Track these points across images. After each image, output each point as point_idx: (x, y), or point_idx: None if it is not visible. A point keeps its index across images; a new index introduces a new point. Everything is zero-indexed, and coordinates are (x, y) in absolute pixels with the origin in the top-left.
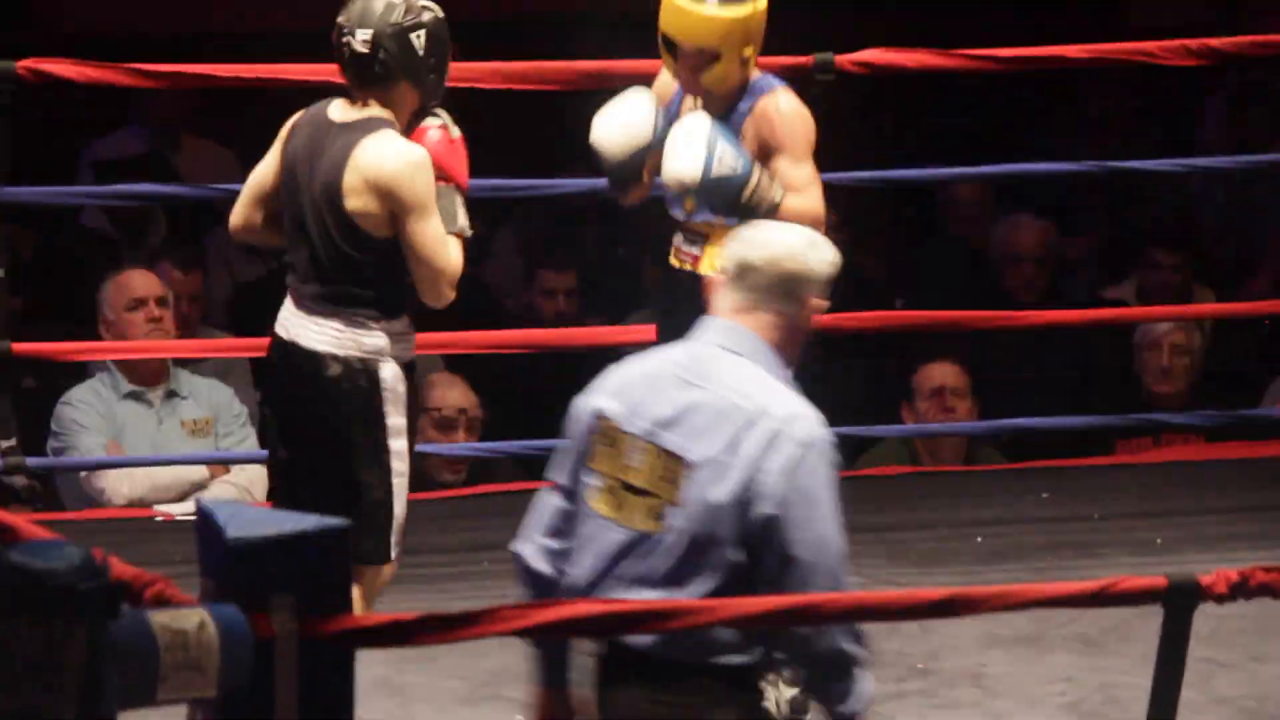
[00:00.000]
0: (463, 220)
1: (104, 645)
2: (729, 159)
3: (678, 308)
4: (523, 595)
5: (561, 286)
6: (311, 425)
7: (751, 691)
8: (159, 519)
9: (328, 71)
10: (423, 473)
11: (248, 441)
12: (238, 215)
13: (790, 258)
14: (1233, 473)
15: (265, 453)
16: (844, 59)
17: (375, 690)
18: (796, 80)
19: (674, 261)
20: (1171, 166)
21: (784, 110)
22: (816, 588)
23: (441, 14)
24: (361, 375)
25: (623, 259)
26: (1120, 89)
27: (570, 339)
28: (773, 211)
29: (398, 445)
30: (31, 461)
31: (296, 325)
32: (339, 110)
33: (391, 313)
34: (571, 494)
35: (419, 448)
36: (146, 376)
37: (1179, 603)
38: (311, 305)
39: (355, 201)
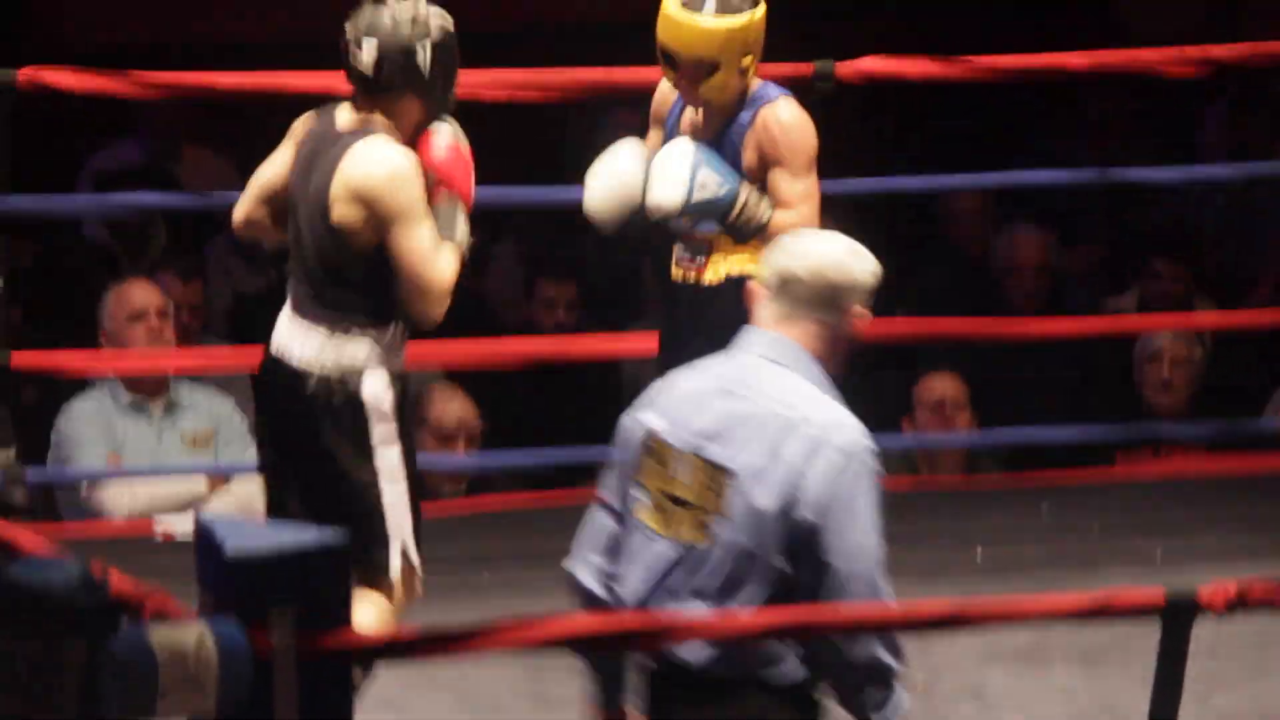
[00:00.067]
0: (462, 233)
1: (103, 661)
2: (712, 184)
3: (680, 319)
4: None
5: (561, 298)
6: (298, 441)
7: (806, 707)
8: (159, 538)
9: (330, 80)
10: (422, 485)
11: (249, 454)
12: (241, 210)
13: (833, 267)
14: (1233, 486)
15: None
16: (844, 67)
17: (374, 705)
18: (796, 89)
19: (676, 271)
20: (1172, 176)
21: (784, 121)
22: (852, 596)
23: (450, 27)
24: (342, 390)
25: (623, 270)
26: (1120, 92)
27: (570, 351)
28: (762, 230)
29: (387, 457)
30: (31, 475)
31: (287, 333)
32: (344, 117)
33: (380, 321)
34: (621, 511)
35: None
36: (147, 388)
37: (1177, 617)
38: (303, 310)
39: (340, 209)
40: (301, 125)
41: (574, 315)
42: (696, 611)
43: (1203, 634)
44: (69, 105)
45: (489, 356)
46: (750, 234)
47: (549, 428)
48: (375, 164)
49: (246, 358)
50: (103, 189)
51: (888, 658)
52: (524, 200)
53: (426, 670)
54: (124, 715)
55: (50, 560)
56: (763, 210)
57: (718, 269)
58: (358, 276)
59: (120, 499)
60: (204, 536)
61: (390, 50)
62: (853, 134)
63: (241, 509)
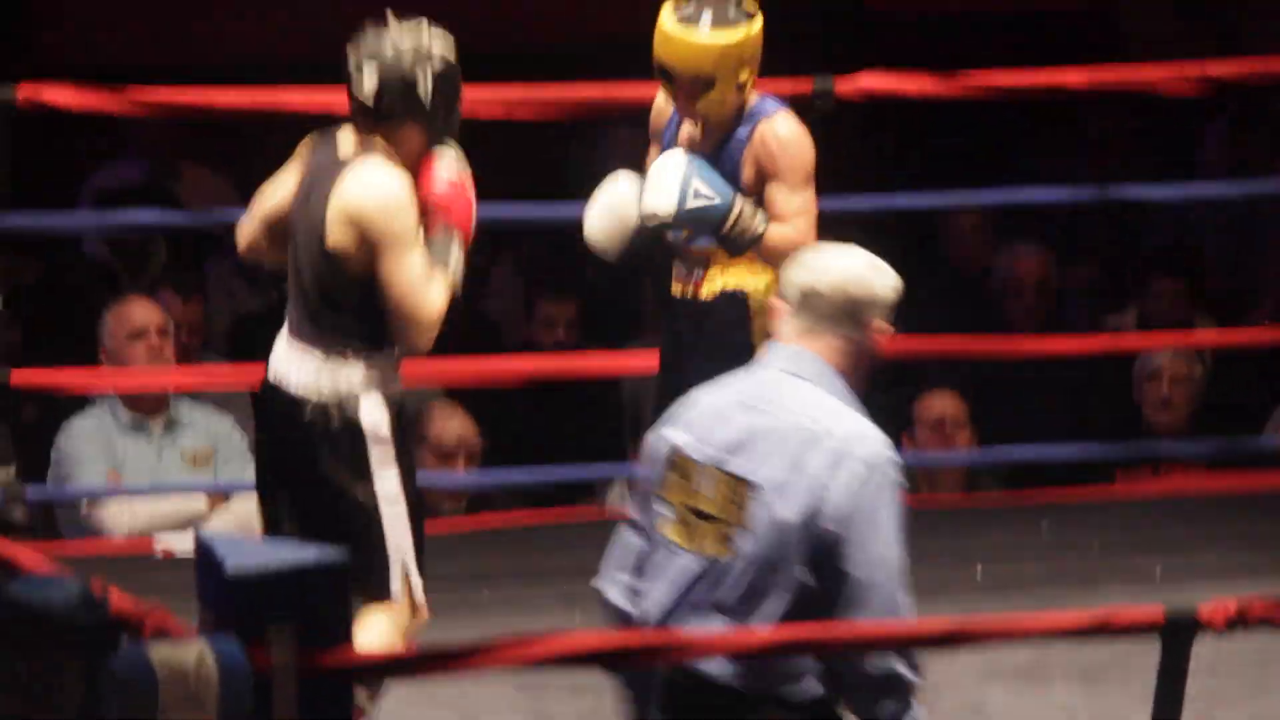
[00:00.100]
0: (456, 266)
1: (103, 678)
2: (705, 191)
3: (679, 333)
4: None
5: (561, 316)
6: (297, 465)
7: None
8: (159, 555)
9: (328, 98)
10: (423, 507)
11: (248, 472)
12: (244, 235)
13: (854, 282)
14: (1233, 504)
15: None
16: (844, 85)
17: None
18: (796, 106)
19: (676, 286)
20: (1172, 194)
21: (781, 136)
22: (873, 607)
23: (452, 55)
24: (339, 415)
25: (622, 288)
26: (1120, 109)
27: (570, 369)
28: (756, 242)
29: (385, 480)
30: (31, 493)
31: (284, 358)
32: (346, 142)
33: (375, 346)
34: (646, 528)
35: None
36: (147, 407)
37: (1178, 635)
38: (300, 334)
39: (335, 233)
40: (304, 149)
41: (574, 333)
42: (714, 626)
43: (1203, 651)
44: (69, 123)
45: (489, 374)
46: (745, 246)
47: (549, 445)
48: (369, 188)
49: (246, 376)
50: (103, 207)
51: (904, 670)
52: (524, 218)
53: (426, 688)
54: None
55: (50, 578)
56: (757, 223)
57: (713, 284)
58: (353, 302)
59: (120, 517)
60: (204, 554)
61: (390, 78)
62: (853, 151)
63: (241, 527)
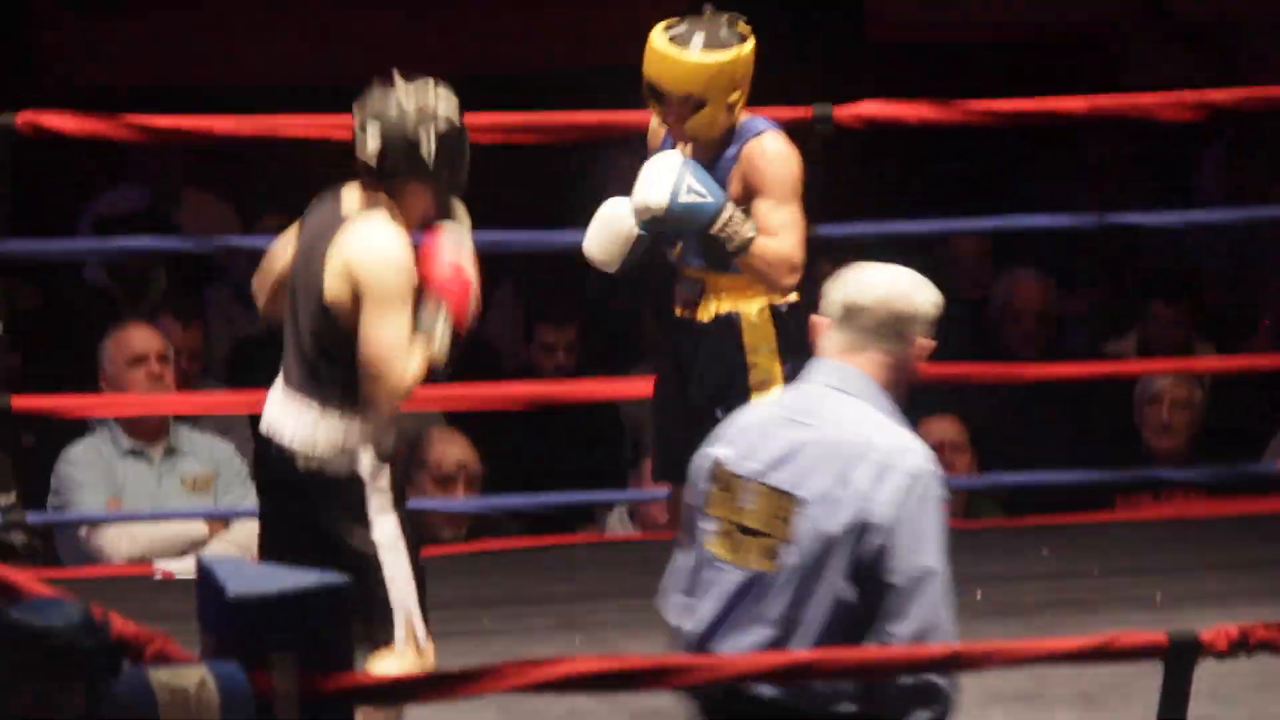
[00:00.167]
0: (441, 343)
1: (104, 703)
2: (698, 189)
3: (679, 352)
4: (672, 650)
5: (561, 341)
6: (294, 518)
7: None
8: (158, 576)
9: (326, 125)
10: (422, 528)
11: (249, 498)
12: (261, 297)
13: (897, 298)
14: (1233, 528)
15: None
16: (843, 112)
17: None
18: (796, 134)
19: (677, 309)
20: (1171, 220)
21: (768, 152)
22: (915, 617)
23: (456, 115)
24: (334, 470)
25: (622, 313)
26: (1118, 134)
27: (570, 394)
28: (744, 249)
29: (383, 528)
30: (31, 518)
31: (279, 411)
32: (350, 199)
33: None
34: (694, 547)
35: (419, 503)
36: (147, 433)
37: (1180, 659)
38: (295, 388)
39: (333, 286)
40: (311, 208)
41: (573, 358)
42: (758, 639)
43: (1203, 676)
44: (71, 150)
45: (489, 399)
46: (734, 250)
47: (549, 470)
48: (369, 244)
49: (246, 402)
50: (103, 233)
51: (940, 681)
52: (523, 244)
53: (425, 713)
54: None
55: (51, 602)
56: (746, 229)
57: (711, 307)
58: (348, 356)
59: (120, 543)
60: (205, 579)
61: (393, 138)
62: (854, 178)
63: (241, 552)
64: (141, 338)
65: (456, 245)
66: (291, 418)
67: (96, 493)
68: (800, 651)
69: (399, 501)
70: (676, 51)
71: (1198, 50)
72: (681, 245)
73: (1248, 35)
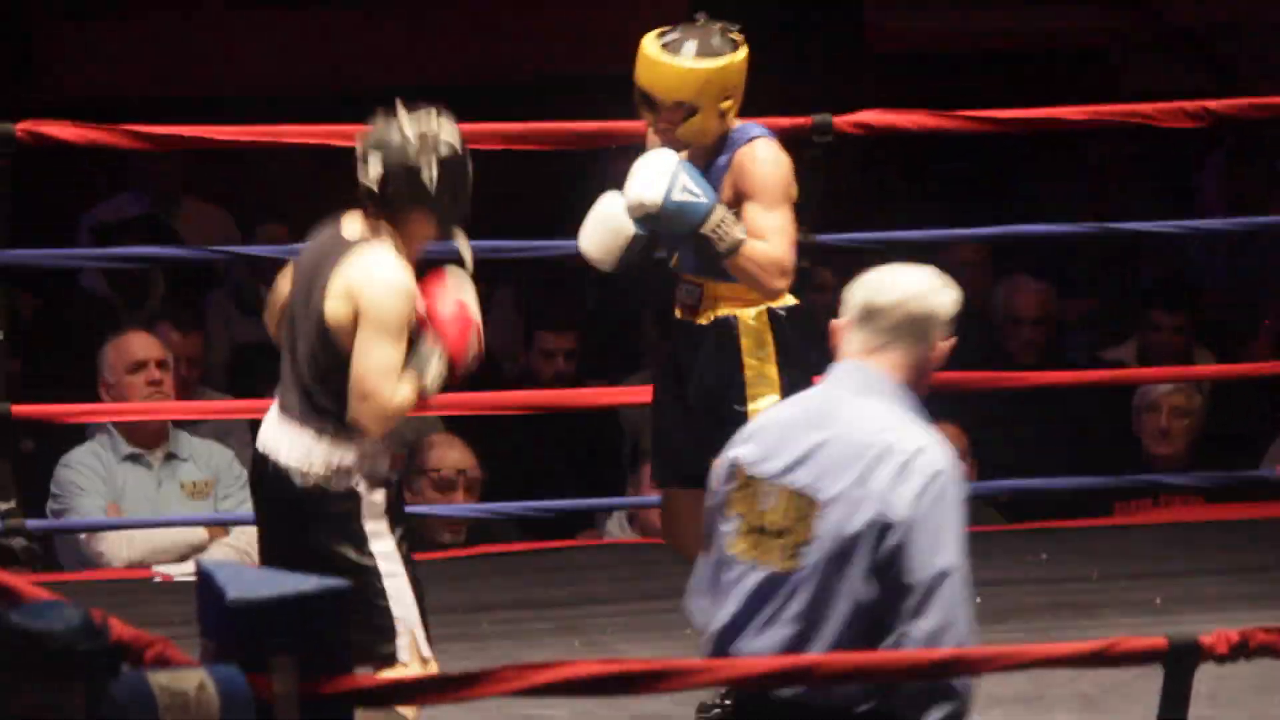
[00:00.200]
0: (433, 380)
1: (103, 706)
2: (691, 188)
3: (678, 355)
4: (702, 652)
5: (560, 348)
6: (292, 537)
7: None
8: (157, 580)
9: (326, 133)
10: (421, 533)
11: (248, 503)
12: (271, 325)
13: (917, 299)
14: (1232, 534)
15: None
16: (842, 120)
17: None
18: (796, 142)
19: (676, 311)
20: (1170, 228)
21: (759, 158)
22: (934, 616)
23: (459, 142)
24: (331, 490)
25: (622, 319)
26: (1118, 137)
27: (569, 400)
28: (734, 251)
29: (382, 548)
30: (31, 524)
31: (274, 435)
32: (351, 226)
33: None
34: (718, 548)
35: (419, 508)
36: (146, 439)
37: (1180, 663)
38: (291, 412)
39: (332, 307)
40: (312, 235)
41: (573, 365)
42: (778, 639)
43: (1201, 678)
44: (70, 158)
45: (488, 405)
46: (723, 252)
47: (548, 476)
48: (372, 268)
49: (245, 408)
50: (102, 241)
51: (958, 681)
52: (523, 250)
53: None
54: None
55: (51, 605)
56: (737, 231)
57: (708, 311)
58: (344, 381)
59: (119, 548)
60: (205, 583)
61: (395, 167)
62: (853, 185)
63: (241, 557)
64: (141, 344)
65: (459, 287)
66: (288, 443)
67: (96, 498)
68: (806, 655)
69: (396, 521)
70: (668, 58)
71: (1197, 58)
72: (679, 256)
73: (1247, 35)
